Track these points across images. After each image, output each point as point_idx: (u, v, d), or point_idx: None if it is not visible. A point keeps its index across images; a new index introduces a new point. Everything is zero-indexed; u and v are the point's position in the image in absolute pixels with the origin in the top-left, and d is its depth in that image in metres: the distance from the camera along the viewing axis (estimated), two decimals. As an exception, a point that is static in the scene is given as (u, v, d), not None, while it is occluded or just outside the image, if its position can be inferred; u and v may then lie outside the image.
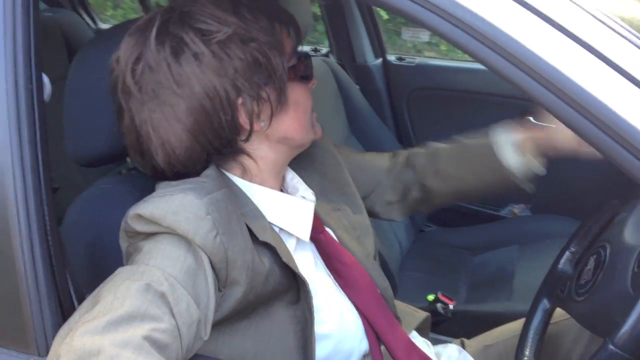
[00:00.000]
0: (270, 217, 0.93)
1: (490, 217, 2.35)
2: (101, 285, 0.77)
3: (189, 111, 0.85)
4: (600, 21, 0.79)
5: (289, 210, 0.96)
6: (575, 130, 0.72)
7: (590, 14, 0.79)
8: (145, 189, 0.98)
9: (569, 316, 1.22)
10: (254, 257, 0.85)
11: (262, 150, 0.94)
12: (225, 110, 0.86)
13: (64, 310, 0.85)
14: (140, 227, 0.81)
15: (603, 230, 1.13)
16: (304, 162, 1.07)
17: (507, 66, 0.71)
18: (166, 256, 0.78)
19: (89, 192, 1.01)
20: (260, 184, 0.95)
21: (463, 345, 1.28)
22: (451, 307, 1.58)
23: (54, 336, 0.75)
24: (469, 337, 1.32)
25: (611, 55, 0.72)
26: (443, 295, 1.66)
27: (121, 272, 0.78)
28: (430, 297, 1.69)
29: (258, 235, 0.87)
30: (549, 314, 1.13)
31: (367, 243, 1.09)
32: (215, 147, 0.89)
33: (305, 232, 0.96)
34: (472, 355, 1.22)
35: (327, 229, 1.02)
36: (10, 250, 0.81)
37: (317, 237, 1.00)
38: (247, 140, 0.91)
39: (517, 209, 2.33)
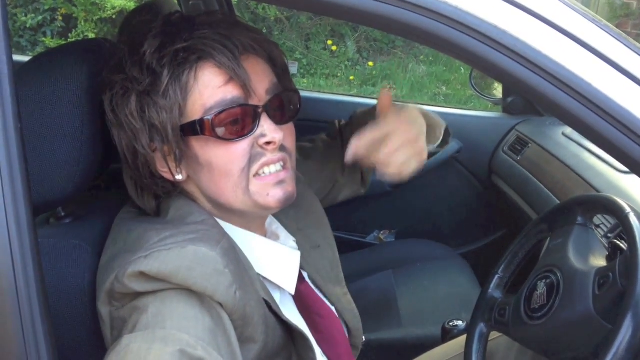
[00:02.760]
0: (256, 266, 0.85)
1: (358, 244, 2.42)
2: None
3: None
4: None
5: (276, 259, 0.88)
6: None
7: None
8: (92, 240, 0.85)
9: (494, 337, 1.29)
10: (266, 311, 0.77)
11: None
12: (140, 156, 0.82)
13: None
14: (141, 286, 0.69)
15: (529, 255, 1.22)
16: None
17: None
18: (182, 316, 0.67)
19: None
20: (245, 227, 0.87)
21: (395, 378, 1.28)
22: (363, 339, 1.57)
23: None
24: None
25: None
26: (346, 327, 1.65)
27: (135, 341, 0.63)
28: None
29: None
30: (486, 338, 1.18)
31: (341, 278, 1.05)
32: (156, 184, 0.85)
33: (291, 284, 0.89)
34: (408, 387, 1.23)
35: (305, 275, 0.96)
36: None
37: (298, 288, 0.93)
38: (177, 186, 0.85)
39: (383, 235, 2.43)
